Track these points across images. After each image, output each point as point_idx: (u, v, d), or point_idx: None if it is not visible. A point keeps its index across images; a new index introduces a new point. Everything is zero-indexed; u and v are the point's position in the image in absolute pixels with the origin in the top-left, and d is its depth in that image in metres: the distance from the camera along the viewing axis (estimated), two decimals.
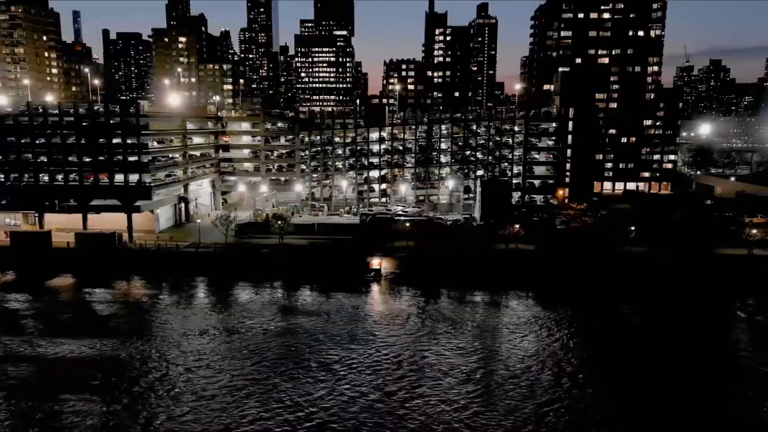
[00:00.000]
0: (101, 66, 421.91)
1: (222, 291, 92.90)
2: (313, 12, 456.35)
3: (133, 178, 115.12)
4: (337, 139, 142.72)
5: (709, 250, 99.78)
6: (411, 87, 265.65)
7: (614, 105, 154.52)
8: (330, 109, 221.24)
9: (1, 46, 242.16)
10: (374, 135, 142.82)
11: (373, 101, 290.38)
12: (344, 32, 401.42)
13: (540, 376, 63.14)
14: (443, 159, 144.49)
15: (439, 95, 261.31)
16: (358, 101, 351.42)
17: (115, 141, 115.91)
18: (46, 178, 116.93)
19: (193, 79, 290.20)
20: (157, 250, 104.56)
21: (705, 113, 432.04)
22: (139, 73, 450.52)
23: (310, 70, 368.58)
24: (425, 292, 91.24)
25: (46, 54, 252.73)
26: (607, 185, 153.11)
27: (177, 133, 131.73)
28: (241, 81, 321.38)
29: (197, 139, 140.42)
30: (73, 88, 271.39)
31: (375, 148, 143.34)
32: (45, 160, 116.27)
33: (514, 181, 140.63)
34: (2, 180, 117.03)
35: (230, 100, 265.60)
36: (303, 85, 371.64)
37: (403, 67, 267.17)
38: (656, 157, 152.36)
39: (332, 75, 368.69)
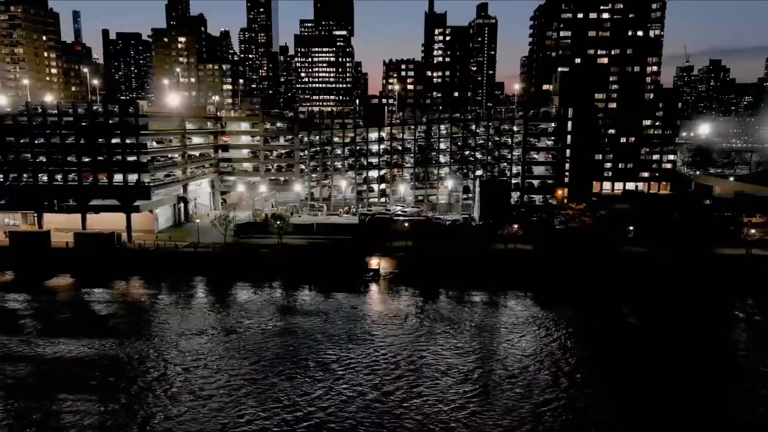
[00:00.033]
0: (101, 66, 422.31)
1: (221, 291, 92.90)
2: (313, 12, 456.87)
3: (132, 178, 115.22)
4: (336, 139, 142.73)
5: (708, 250, 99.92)
6: (410, 87, 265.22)
7: (613, 105, 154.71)
8: (329, 109, 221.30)
9: (0, 46, 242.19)
10: (373, 135, 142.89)
11: (373, 101, 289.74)
12: (344, 32, 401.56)
13: (538, 375, 63.18)
14: (442, 159, 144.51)
15: (439, 95, 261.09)
16: (357, 101, 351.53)
17: (114, 141, 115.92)
18: (45, 178, 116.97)
19: (193, 79, 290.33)
20: (156, 250, 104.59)
21: (705, 113, 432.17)
22: (138, 73, 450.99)
23: (310, 70, 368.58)
24: (424, 292, 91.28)
25: (46, 54, 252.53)
26: (607, 185, 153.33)
27: (176, 133, 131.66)
28: (241, 81, 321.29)
29: (196, 139, 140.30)
30: (73, 88, 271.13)
31: (374, 148, 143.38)
32: (44, 160, 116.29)
33: (513, 181, 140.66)
34: (1, 180, 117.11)
35: (230, 100, 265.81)
36: (302, 85, 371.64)
37: (403, 67, 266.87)
38: (655, 157, 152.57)
39: (332, 75, 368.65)
